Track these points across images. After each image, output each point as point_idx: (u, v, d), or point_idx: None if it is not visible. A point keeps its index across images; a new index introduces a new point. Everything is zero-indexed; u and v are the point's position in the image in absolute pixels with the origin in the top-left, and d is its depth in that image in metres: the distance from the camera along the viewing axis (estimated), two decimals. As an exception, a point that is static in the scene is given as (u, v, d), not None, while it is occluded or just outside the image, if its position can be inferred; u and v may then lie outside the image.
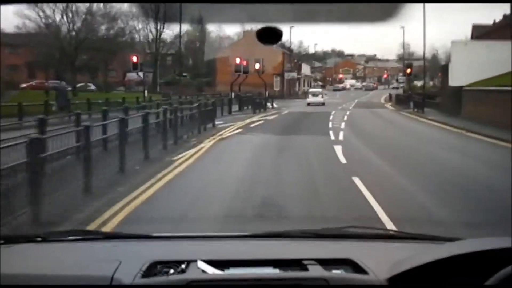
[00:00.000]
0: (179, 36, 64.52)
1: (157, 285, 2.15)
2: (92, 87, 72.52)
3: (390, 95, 70.90)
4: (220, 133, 22.89)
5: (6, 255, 2.50)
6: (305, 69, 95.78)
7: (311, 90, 62.85)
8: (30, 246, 2.74)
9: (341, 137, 21.27)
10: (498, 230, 6.50)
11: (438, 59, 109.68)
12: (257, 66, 43.78)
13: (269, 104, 48.45)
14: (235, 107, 41.27)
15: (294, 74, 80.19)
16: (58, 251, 2.72)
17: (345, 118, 33.82)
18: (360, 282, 2.19)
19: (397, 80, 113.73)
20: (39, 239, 2.82)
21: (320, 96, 55.61)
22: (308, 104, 52.89)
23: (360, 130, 25.84)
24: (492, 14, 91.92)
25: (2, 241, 2.72)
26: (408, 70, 46.70)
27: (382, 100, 73.28)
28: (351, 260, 2.35)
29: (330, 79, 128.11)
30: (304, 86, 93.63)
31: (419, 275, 2.12)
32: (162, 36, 75.73)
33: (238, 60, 39.90)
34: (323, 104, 52.84)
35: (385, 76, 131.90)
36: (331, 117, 34.07)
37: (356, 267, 2.30)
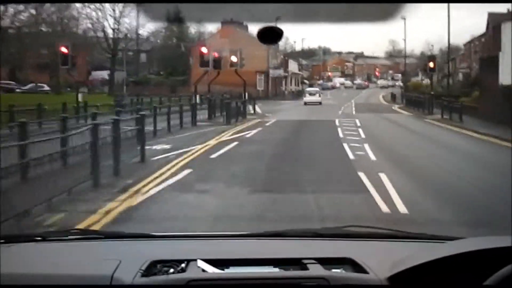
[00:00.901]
0: (136, 30, 52.43)
1: (157, 285, 2.08)
2: (45, 87, 60.79)
3: (393, 95, 59.19)
4: (139, 186, 10.61)
5: (6, 254, 2.40)
6: (293, 66, 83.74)
7: (308, 89, 60.52)
8: (30, 245, 2.66)
9: (400, 203, 9.14)
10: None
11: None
12: (234, 59, 31.71)
13: (250, 107, 36.48)
14: (204, 114, 29.39)
15: (281, 72, 68.12)
16: (58, 251, 2.63)
17: (361, 133, 21.88)
18: (360, 282, 2.12)
19: (392, 78, 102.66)
20: (39, 238, 2.73)
21: (318, 95, 52.53)
22: (305, 103, 49.24)
23: (411, 166, 13.67)
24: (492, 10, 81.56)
25: (2, 241, 2.62)
26: (431, 64, 34.69)
27: (383, 101, 61.63)
28: (351, 259, 2.29)
29: (318, 77, 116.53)
30: (291, 85, 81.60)
31: (419, 274, 2.06)
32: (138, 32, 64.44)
33: (204, 50, 27.41)
34: (320, 103, 49.22)
35: (377, 73, 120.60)
36: (340, 132, 22.13)
37: (356, 266, 2.24)
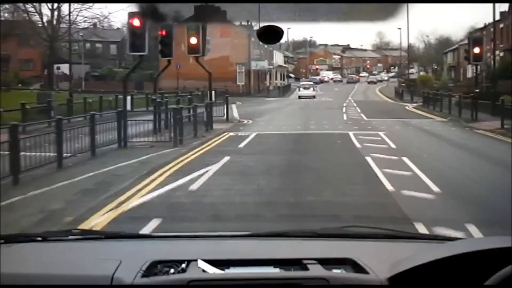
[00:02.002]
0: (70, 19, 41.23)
1: (157, 285, 2.03)
2: (-15, 84, 49.39)
3: (400, 91, 48.42)
4: None
5: (6, 254, 2.33)
6: (278, 57, 72.78)
7: (302, 83, 59.25)
8: (30, 245, 2.56)
9: None
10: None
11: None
12: (193, 41, 20.46)
13: (224, 110, 25.48)
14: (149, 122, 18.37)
15: (265, 64, 57.06)
16: (58, 251, 2.54)
17: (417, 172, 11.00)
18: (360, 282, 2.05)
19: (387, 71, 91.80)
20: (39, 238, 2.63)
21: (311, 89, 51.70)
22: (299, 97, 48.22)
23: None
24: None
25: (2, 241, 2.52)
26: (477, 50, 23.70)
27: (385, 97, 50.96)
28: (352, 260, 2.20)
29: (304, 70, 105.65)
30: (276, 80, 70.59)
31: (419, 274, 2.00)
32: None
33: (136, 23, 15.92)
34: (313, 97, 48.12)
35: (368, 66, 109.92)
36: (377, 171, 11.11)
37: (356, 267, 2.16)
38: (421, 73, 74.91)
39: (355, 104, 37.78)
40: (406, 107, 35.35)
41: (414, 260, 2.05)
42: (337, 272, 2.12)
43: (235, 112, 30.85)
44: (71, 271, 2.15)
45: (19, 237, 2.71)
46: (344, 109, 33.22)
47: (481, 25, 71.68)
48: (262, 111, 31.23)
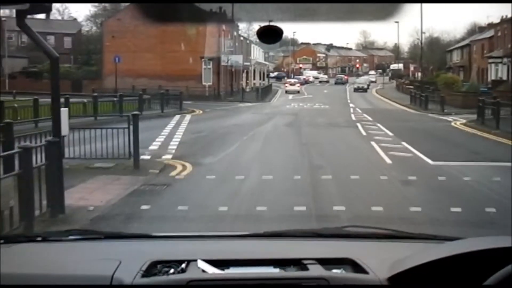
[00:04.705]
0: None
1: (157, 285, 1.96)
2: None
3: (421, 97, 34.75)
4: None
5: (6, 254, 2.24)
6: (257, 53, 58.86)
7: (288, 80, 60.83)
8: (30, 245, 2.47)
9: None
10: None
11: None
12: None
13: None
14: None
15: (239, 59, 43.06)
16: (58, 251, 2.44)
17: None
18: (360, 282, 1.97)
19: (383, 71, 78.33)
20: (39, 238, 2.54)
21: (297, 85, 53.59)
22: (286, 92, 49.95)
23: None
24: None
25: (2, 241, 2.44)
26: None
27: (394, 103, 37.51)
28: (351, 260, 2.12)
29: (286, 70, 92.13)
30: (254, 79, 56.72)
31: (419, 274, 1.92)
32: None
33: None
34: (298, 92, 50.03)
35: (357, 66, 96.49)
36: None
37: (356, 267, 2.08)
38: (418, 73, 62.07)
39: (369, 118, 24.10)
40: (455, 124, 21.77)
41: (414, 260, 1.98)
42: (336, 272, 2.06)
43: (180, 131, 17.14)
44: (71, 271, 2.08)
45: (19, 237, 2.66)
46: (360, 128, 19.55)
47: (483, 23, 59.78)
48: (225, 133, 17.47)
